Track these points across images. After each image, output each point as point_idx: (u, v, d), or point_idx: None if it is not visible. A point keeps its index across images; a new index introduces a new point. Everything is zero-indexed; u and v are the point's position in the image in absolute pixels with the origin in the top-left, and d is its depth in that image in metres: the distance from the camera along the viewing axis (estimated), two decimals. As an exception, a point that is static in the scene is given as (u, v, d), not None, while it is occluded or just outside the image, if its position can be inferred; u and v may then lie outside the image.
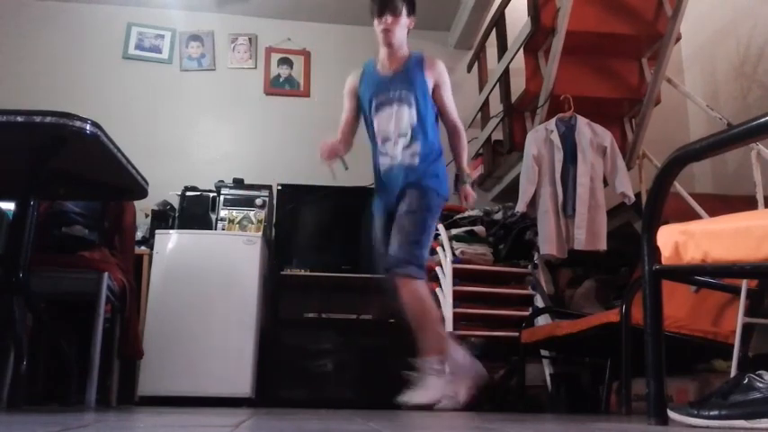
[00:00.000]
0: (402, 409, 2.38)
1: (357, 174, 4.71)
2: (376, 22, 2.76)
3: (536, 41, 3.73)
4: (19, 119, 1.86)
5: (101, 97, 4.47)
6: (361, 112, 2.85)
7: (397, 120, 2.70)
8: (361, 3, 4.86)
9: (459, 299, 3.54)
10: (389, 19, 2.71)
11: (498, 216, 3.97)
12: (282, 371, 3.64)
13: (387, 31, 2.73)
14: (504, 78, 4.05)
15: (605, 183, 3.55)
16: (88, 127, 1.91)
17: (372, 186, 2.97)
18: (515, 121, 4.00)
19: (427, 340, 2.48)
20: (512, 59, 3.93)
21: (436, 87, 2.79)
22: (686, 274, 1.61)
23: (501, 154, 4.15)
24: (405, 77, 2.75)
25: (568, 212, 3.42)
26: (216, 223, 3.92)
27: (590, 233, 3.37)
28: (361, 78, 2.85)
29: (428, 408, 2.37)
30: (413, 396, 2.40)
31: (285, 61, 4.82)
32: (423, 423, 1.71)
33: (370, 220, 2.88)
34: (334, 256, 4.04)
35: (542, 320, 3.46)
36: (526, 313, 3.57)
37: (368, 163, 4.53)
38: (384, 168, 2.75)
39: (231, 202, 3.93)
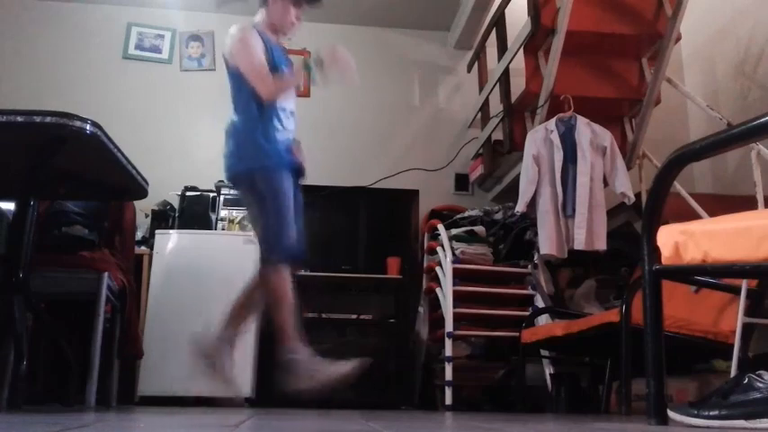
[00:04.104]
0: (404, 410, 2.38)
1: (357, 173, 4.75)
2: (294, 10, 2.62)
3: (536, 41, 3.72)
4: (19, 119, 1.86)
5: (101, 97, 4.47)
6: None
7: (292, 95, 2.58)
8: (361, 3, 4.90)
9: (459, 299, 3.54)
10: (300, 15, 2.64)
11: (498, 216, 3.97)
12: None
13: (294, 26, 2.65)
14: (504, 78, 4.05)
15: (605, 183, 3.55)
16: (88, 127, 1.92)
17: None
18: (515, 121, 4.00)
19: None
20: (512, 59, 3.92)
21: None
22: (686, 274, 1.61)
23: (501, 154, 4.15)
24: (288, 60, 2.65)
25: (568, 212, 3.42)
26: (216, 223, 3.92)
27: (590, 233, 3.36)
28: (263, 39, 2.58)
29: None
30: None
31: (285, 61, 4.81)
32: (422, 423, 1.71)
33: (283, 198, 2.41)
34: (334, 256, 4.04)
35: (542, 320, 3.46)
36: (526, 313, 3.57)
37: (362, 161, 4.56)
38: (283, 141, 2.47)
39: (231, 202, 3.92)
